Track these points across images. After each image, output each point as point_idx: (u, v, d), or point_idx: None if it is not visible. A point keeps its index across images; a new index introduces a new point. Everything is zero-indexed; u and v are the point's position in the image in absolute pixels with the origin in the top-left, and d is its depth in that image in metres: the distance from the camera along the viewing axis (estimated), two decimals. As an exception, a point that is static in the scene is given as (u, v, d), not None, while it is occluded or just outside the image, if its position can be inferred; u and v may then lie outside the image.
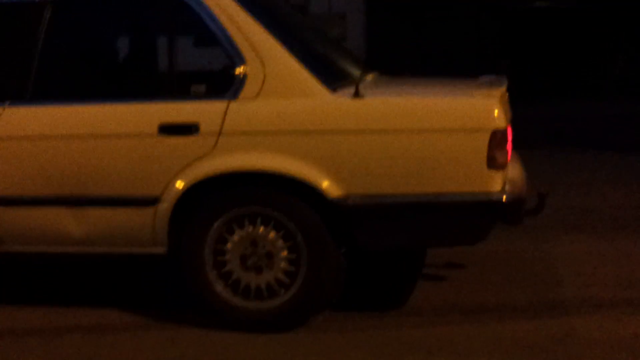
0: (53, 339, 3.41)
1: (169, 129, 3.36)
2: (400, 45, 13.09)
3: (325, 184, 3.26)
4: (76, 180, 3.44)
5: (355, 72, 3.82)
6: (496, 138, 3.18)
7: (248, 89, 3.33)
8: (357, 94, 3.27)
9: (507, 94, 3.67)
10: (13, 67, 3.59)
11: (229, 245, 3.37)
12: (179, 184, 3.35)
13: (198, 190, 3.36)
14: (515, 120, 3.63)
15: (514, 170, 3.54)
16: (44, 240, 3.55)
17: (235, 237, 3.37)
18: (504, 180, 3.27)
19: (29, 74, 3.54)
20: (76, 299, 3.91)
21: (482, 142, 3.18)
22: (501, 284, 3.95)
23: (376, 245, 3.40)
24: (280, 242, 3.34)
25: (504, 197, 3.22)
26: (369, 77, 3.89)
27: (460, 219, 3.29)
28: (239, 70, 3.35)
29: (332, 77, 3.44)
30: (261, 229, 3.35)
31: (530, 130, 8.25)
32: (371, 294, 3.92)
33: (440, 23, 13.40)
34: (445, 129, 3.21)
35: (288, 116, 3.31)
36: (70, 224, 3.48)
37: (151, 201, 3.39)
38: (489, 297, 3.76)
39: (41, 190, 3.48)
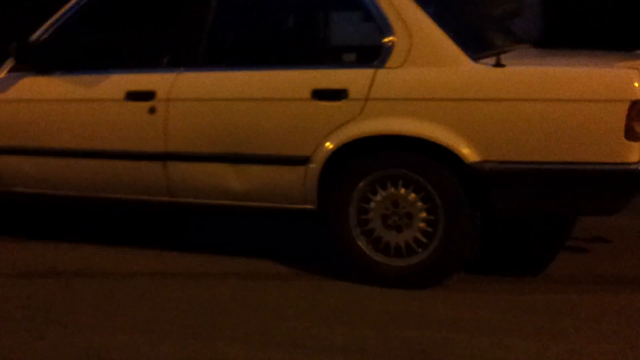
0: (215, 281, 3.80)
1: (320, 94, 3.62)
2: (579, 18, 12.71)
3: (464, 150, 3.41)
4: (238, 139, 3.78)
5: (503, 43, 3.92)
6: (635, 109, 3.20)
7: (394, 57, 3.54)
8: (498, 64, 3.40)
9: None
10: (188, 36, 3.98)
11: (372, 205, 3.61)
12: (328, 146, 3.62)
13: (345, 152, 3.61)
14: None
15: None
16: (210, 193, 3.92)
17: (378, 197, 3.59)
18: (641, 152, 3.29)
19: (201, 43, 3.93)
20: (233, 248, 4.28)
21: (621, 112, 3.21)
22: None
23: (511, 211, 3.51)
24: (419, 204, 3.54)
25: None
26: (518, 47, 3.98)
27: (595, 189, 3.34)
28: (387, 40, 3.56)
29: (475, 46, 3.57)
30: (402, 190, 3.56)
31: None
32: (510, 260, 4.03)
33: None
34: (584, 99, 3.27)
35: (431, 84, 3.48)
36: (232, 179, 3.84)
37: (303, 161, 3.68)
38: (627, 270, 3.78)
39: (208, 147, 3.85)
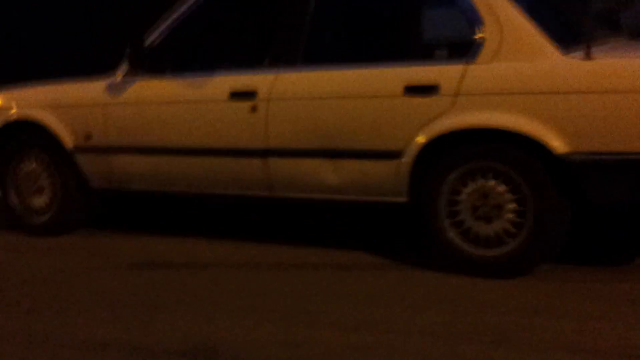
0: (311, 271, 3.98)
1: (413, 90, 3.74)
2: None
3: (553, 141, 3.46)
4: (335, 135, 3.94)
5: (597, 35, 3.92)
6: None
7: (485, 52, 3.62)
8: (587, 56, 3.43)
9: None
10: (286, 36, 4.15)
11: (462, 196, 3.71)
12: (419, 139, 3.73)
13: (436, 145, 3.72)
14: None
15: None
16: (307, 187, 4.10)
17: (468, 189, 3.69)
18: None
19: (299, 42, 4.11)
20: (328, 242, 4.46)
21: None
22: None
23: (601, 200, 3.52)
24: (508, 195, 3.61)
25: None
26: (613, 40, 3.98)
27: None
28: (478, 34, 3.65)
29: (566, 39, 3.61)
30: (492, 182, 3.64)
31: None
32: (600, 250, 4.04)
33: None
34: (673, 90, 3.27)
35: (521, 77, 3.55)
36: (328, 173, 4.01)
37: (395, 155, 3.81)
38: None
39: (307, 143, 4.02)
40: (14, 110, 4.89)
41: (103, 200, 5.01)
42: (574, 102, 3.44)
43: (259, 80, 4.14)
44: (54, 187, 4.89)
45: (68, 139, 4.75)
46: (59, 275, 4.15)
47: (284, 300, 3.56)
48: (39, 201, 4.94)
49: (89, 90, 4.70)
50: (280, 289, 3.72)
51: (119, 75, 4.56)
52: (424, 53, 3.81)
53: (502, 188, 3.61)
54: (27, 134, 4.90)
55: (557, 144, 3.46)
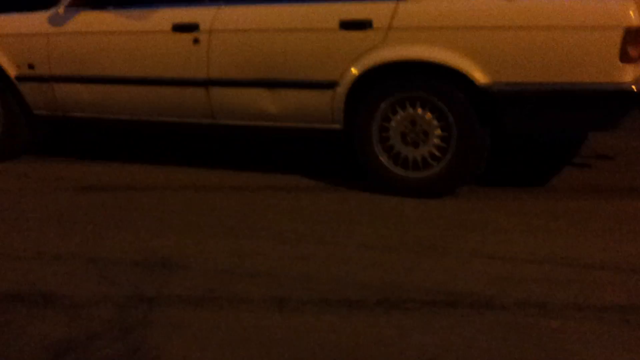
0: (253, 192, 4.27)
1: (347, 25, 4.01)
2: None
3: (475, 73, 3.79)
4: (274, 66, 4.19)
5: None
6: (629, 34, 3.56)
7: (414, -10, 3.91)
8: (509, -5, 3.76)
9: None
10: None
11: (392, 123, 4.03)
12: (354, 71, 4.02)
13: (369, 76, 4.02)
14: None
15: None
16: (247, 115, 4.37)
17: (398, 117, 4.01)
18: (636, 73, 3.65)
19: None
20: (270, 166, 4.76)
21: (616, 37, 3.57)
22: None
23: (518, 128, 3.89)
24: (434, 122, 3.95)
25: (634, 87, 3.61)
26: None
27: (595, 107, 3.71)
28: (408, -26, 3.94)
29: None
30: (419, 110, 3.97)
31: None
32: (519, 174, 4.45)
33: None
34: (585, 26, 3.63)
35: (447, 13, 3.84)
36: (267, 102, 4.27)
37: (331, 85, 4.09)
38: (623, 182, 4.19)
39: (247, 74, 4.28)
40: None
41: (47, 128, 5.17)
42: (495, 36, 3.76)
43: (201, 13, 4.35)
44: (-2, 115, 5.04)
45: (11, 69, 4.88)
46: (5, 195, 4.35)
47: (227, 218, 3.85)
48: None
49: (31, 21, 4.82)
50: (223, 208, 4.00)
51: (62, 7, 4.69)
52: (359, -9, 4.08)
53: (428, 116, 3.96)
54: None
55: (479, 76, 3.79)
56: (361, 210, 3.91)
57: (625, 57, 3.59)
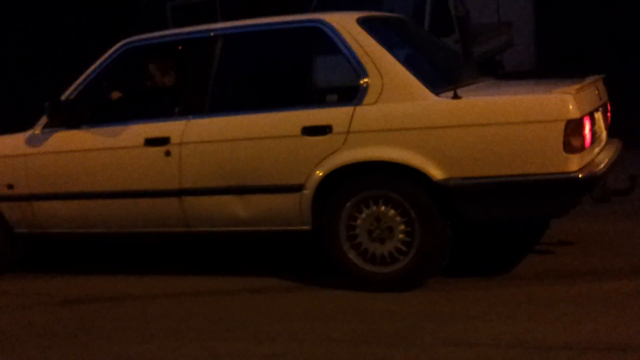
0: (229, 296, 4.42)
1: (309, 130, 4.26)
2: (570, 48, 13.43)
3: (432, 170, 4.02)
4: (242, 173, 4.41)
5: (464, 77, 4.56)
6: (570, 126, 3.82)
7: (369, 96, 4.17)
8: (455, 96, 4.03)
9: (597, 87, 4.31)
10: (194, 89, 4.66)
11: (358, 222, 4.22)
12: (318, 173, 4.24)
13: (333, 178, 4.23)
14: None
15: (601, 154, 4.16)
16: (219, 221, 4.55)
17: (363, 215, 4.21)
18: (581, 162, 3.89)
19: (206, 93, 4.58)
20: (242, 268, 4.92)
21: (559, 130, 3.83)
22: (601, 256, 4.54)
23: (474, 218, 4.11)
24: (398, 218, 4.15)
25: (580, 175, 3.85)
26: (478, 81, 4.62)
27: (544, 195, 3.94)
28: (363, 81, 4.20)
29: (438, 83, 4.21)
30: (383, 208, 4.17)
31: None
32: (482, 263, 4.64)
33: (610, 25, 13.53)
34: (528, 121, 3.89)
35: (401, 117, 4.11)
36: (238, 208, 4.46)
37: (297, 188, 4.30)
38: (583, 265, 4.38)
39: (217, 182, 4.48)
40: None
41: (28, 246, 5.32)
42: (446, 135, 4.02)
43: (171, 127, 4.59)
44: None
45: None
46: None
47: (204, 322, 3.99)
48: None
49: (9, 144, 5.04)
50: (201, 313, 4.15)
51: (38, 128, 4.92)
52: (317, 98, 4.35)
53: (392, 212, 4.16)
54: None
55: (435, 172, 4.02)
56: (334, 306, 4.07)
57: (568, 148, 3.84)
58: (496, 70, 11.33)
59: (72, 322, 4.18)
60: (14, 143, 5.02)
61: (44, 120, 4.93)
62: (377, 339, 3.57)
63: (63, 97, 4.85)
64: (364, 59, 4.22)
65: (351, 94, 4.24)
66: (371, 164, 4.16)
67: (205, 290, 4.59)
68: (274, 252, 5.26)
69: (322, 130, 4.24)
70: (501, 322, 3.64)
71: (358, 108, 4.19)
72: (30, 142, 4.94)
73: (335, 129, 4.21)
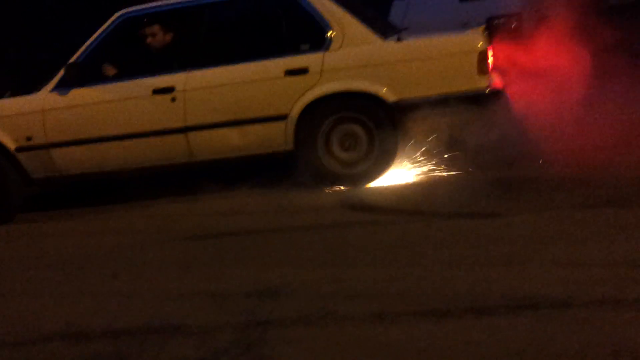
0: (339, 230, 4.75)
1: (291, 72, 5.69)
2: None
3: (385, 94, 5.59)
4: (237, 109, 5.76)
5: (392, 29, 6.17)
6: (480, 56, 5.52)
7: (335, 43, 5.68)
8: (399, 39, 5.66)
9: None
10: (190, 47, 5.98)
11: (333, 137, 5.72)
12: (299, 104, 5.69)
13: (312, 106, 5.69)
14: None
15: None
16: (219, 150, 5.87)
17: (337, 131, 5.71)
18: (489, 82, 5.59)
19: (200, 50, 5.92)
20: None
21: (473, 58, 5.52)
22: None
23: (419, 129, 5.68)
24: (362, 132, 5.69)
25: (487, 90, 5.55)
26: (403, 31, 6.25)
27: (465, 105, 5.56)
28: (329, 34, 5.69)
29: (382, 31, 5.81)
30: (351, 125, 5.69)
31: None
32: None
33: None
34: (452, 54, 5.56)
35: (360, 57, 5.64)
36: (235, 137, 5.80)
37: (283, 117, 5.73)
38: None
39: (217, 118, 5.79)
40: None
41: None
42: (394, 68, 5.60)
43: (174, 78, 5.85)
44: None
45: (10, 143, 6.09)
46: (125, 246, 5.01)
47: (323, 251, 4.30)
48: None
49: (23, 103, 6.09)
50: (319, 242, 4.51)
51: (50, 86, 5.98)
52: (295, 49, 5.80)
53: (358, 128, 5.69)
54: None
55: (389, 96, 5.59)
56: (444, 234, 4.31)
57: (480, 71, 5.54)
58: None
59: (202, 254, 4.59)
60: (28, 102, 6.06)
61: (55, 81, 5.99)
62: (489, 261, 3.72)
63: (75, 60, 5.93)
64: (328, 17, 5.72)
65: (320, 44, 5.72)
66: (340, 94, 5.67)
67: (320, 224, 4.98)
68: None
69: (301, 71, 5.68)
70: (611, 243, 3.74)
71: (327, 53, 5.68)
72: (46, 99, 6.00)
73: (311, 70, 5.66)
